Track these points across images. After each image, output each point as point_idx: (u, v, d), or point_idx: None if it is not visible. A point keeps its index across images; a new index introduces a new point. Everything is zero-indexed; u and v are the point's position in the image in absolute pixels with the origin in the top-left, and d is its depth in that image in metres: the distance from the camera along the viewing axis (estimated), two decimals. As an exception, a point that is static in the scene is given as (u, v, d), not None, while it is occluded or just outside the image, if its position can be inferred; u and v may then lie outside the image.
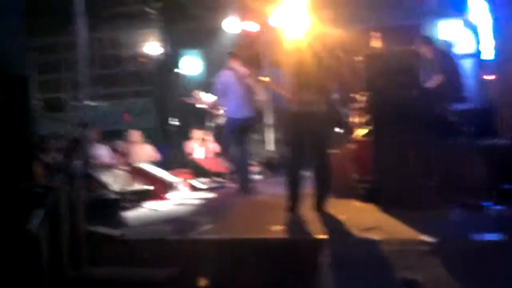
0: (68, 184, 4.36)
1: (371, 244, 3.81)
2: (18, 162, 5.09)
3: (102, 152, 8.28)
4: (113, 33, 13.73)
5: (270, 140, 11.21)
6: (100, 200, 5.08)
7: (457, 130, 5.84)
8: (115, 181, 6.13)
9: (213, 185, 7.92)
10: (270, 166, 9.54)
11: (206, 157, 9.24)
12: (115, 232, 4.64)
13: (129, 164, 6.48)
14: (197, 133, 9.48)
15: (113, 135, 9.88)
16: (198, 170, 8.51)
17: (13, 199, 4.41)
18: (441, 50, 6.18)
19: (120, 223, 4.98)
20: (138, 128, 9.37)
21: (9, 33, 5.34)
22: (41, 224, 3.89)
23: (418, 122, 4.99)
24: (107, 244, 4.44)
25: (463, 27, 9.10)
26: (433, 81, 5.72)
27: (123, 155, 8.74)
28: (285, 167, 5.42)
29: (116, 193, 5.64)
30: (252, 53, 11.13)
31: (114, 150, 8.99)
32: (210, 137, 9.16)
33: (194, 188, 7.71)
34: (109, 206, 5.12)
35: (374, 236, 3.92)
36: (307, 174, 5.59)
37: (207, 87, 9.25)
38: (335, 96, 5.61)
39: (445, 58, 6.05)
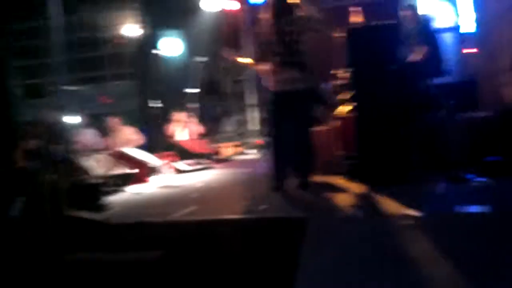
0: (48, 169, 4.29)
1: (356, 221, 3.80)
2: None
3: (88, 137, 8.20)
4: (90, 15, 13.50)
5: (253, 120, 11.16)
6: (82, 185, 5.01)
7: (439, 104, 5.83)
8: (97, 165, 6.04)
9: (198, 166, 7.87)
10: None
11: (190, 139, 9.17)
12: (98, 216, 4.58)
13: (111, 149, 6.39)
14: (178, 115, 9.38)
15: (93, 119, 9.76)
16: (182, 152, 8.45)
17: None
18: (423, 20, 6.14)
19: (103, 208, 4.91)
20: (119, 111, 9.27)
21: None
22: (23, 209, 3.82)
23: (401, 97, 4.96)
24: (91, 229, 4.38)
25: (442, 1, 9.06)
26: (416, 53, 5.69)
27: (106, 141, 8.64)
28: (270, 146, 5.38)
29: (98, 177, 5.56)
30: (233, 32, 11.00)
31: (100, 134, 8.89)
32: (193, 119, 9.09)
33: (178, 171, 7.66)
34: (92, 191, 5.04)
35: (359, 213, 3.91)
36: (291, 153, 5.55)
37: (188, 67, 9.16)
38: (316, 73, 5.54)
39: (426, 29, 6.00)
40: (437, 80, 5.95)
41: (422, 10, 7.08)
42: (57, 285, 3.89)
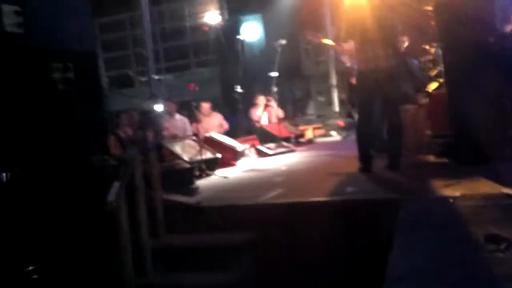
0: (142, 156, 4.46)
1: (451, 201, 3.65)
2: (92, 137, 5.29)
3: (179, 124, 8.48)
4: (173, 5, 13.85)
5: (335, 101, 11.01)
6: (173, 170, 5.17)
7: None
8: (186, 150, 6.23)
9: (281, 150, 7.90)
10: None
11: (270, 123, 9.21)
12: (191, 200, 4.72)
13: (200, 134, 6.57)
14: (261, 99, 9.43)
15: (180, 107, 10.07)
16: (265, 136, 8.50)
17: (89, 172, 4.59)
18: None
19: (194, 191, 5.05)
20: (204, 98, 9.46)
21: (77, 12, 5.49)
22: (119, 195, 4.00)
23: (495, 71, 4.69)
24: (183, 212, 4.53)
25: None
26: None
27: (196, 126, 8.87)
28: (356, 127, 5.29)
29: (189, 162, 5.73)
30: (314, 14, 10.88)
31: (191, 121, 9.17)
32: (274, 102, 9.10)
33: (261, 154, 7.72)
34: (183, 175, 5.20)
35: (454, 192, 3.75)
36: (379, 133, 5.44)
37: (269, 52, 9.17)
38: (404, 48, 5.35)
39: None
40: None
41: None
42: (153, 267, 4.09)
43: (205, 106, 9.06)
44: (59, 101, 5.10)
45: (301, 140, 9.23)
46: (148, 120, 4.45)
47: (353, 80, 5.16)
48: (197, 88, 6.89)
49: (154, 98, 4.70)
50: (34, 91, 4.87)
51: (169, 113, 8.35)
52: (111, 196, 3.92)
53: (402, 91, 5.28)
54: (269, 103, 9.21)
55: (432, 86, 5.77)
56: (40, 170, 4.66)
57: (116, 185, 4.00)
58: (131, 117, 7.60)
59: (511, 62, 4.99)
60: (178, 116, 8.57)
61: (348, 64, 6.09)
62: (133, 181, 4.18)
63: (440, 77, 5.51)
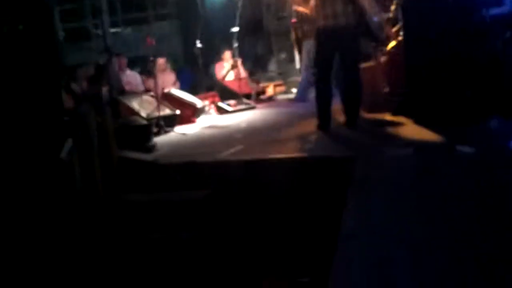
0: (96, 111, 4.35)
1: (405, 158, 3.73)
2: (46, 92, 5.10)
3: (130, 79, 8.27)
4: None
5: (297, 58, 10.93)
6: (130, 126, 5.08)
7: (493, 36, 5.54)
8: (144, 106, 6.12)
9: (241, 106, 7.86)
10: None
11: (232, 79, 9.11)
12: (147, 157, 4.67)
13: (158, 89, 6.44)
14: (227, 54, 9.27)
15: (137, 61, 9.81)
16: (225, 93, 8.42)
17: (43, 128, 4.45)
18: None
19: (151, 149, 4.99)
20: (163, 53, 9.25)
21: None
22: (73, 151, 3.92)
23: (452, 30, 4.73)
24: (140, 170, 4.48)
25: None
26: None
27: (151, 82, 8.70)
28: (314, 84, 5.28)
29: (145, 118, 5.64)
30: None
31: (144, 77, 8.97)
32: (236, 58, 8.97)
33: (221, 111, 7.67)
34: (140, 132, 5.12)
35: (407, 150, 3.83)
36: (337, 90, 5.47)
37: (230, 7, 8.97)
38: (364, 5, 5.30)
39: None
40: (492, 10, 5.62)
41: None
42: (107, 224, 4.06)
43: (161, 61, 8.86)
44: (7, 55, 4.87)
45: (262, 97, 9.19)
46: (103, 74, 4.32)
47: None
48: (154, 43, 6.70)
49: (109, 52, 4.54)
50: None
51: (119, 68, 8.09)
52: (64, 153, 3.83)
53: (360, 49, 5.28)
54: (237, 64, 9.01)
55: (391, 44, 5.78)
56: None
57: (69, 141, 3.90)
58: (88, 71, 7.37)
59: (468, 21, 5.04)
60: (128, 71, 8.35)
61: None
62: (87, 137, 4.08)
63: (399, 35, 5.52)
